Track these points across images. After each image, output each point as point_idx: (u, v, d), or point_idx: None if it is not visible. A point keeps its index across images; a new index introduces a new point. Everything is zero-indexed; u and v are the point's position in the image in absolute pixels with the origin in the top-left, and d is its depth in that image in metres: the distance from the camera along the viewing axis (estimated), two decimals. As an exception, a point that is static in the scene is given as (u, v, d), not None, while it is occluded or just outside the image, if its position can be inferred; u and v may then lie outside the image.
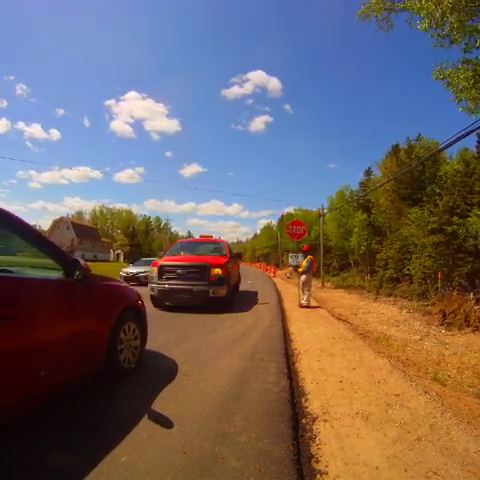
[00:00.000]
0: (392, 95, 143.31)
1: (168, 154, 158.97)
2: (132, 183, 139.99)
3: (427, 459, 2.39)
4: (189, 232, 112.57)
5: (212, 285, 8.70)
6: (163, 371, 4.21)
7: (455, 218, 17.33)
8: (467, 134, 9.84)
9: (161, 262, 9.43)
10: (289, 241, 24.97)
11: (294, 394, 3.68)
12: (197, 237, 15.29)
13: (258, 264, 64.34)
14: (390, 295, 19.00)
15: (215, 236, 13.80)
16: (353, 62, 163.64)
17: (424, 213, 20.43)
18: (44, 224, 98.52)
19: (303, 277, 10.44)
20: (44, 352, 2.70)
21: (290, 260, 11.69)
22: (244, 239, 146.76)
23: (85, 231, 68.24)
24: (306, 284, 10.43)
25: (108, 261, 65.25)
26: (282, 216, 75.01)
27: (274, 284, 20.49)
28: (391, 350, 6.57)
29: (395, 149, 33.81)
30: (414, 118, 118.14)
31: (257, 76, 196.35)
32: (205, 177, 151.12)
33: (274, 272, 34.78)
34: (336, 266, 37.89)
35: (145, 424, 2.85)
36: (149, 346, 4.72)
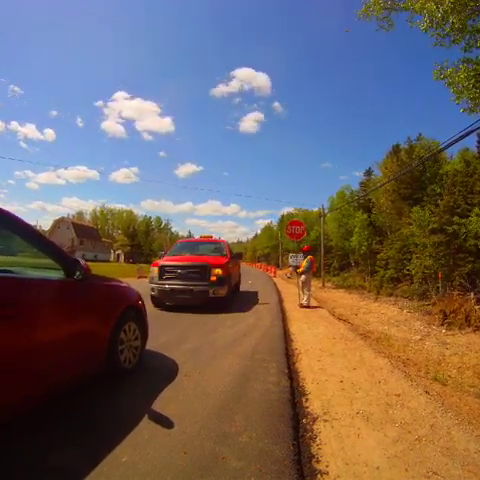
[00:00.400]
0: (392, 95, 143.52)
1: (162, 154, 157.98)
2: (128, 183, 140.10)
3: (428, 459, 2.39)
4: (190, 232, 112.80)
5: (212, 285, 8.70)
6: (164, 371, 4.21)
7: (456, 218, 17.32)
8: (467, 134, 9.84)
9: (161, 262, 9.42)
10: (289, 241, 25.04)
11: (295, 394, 3.68)
12: (197, 237, 15.28)
13: (258, 264, 64.36)
14: (391, 295, 19.00)
15: (215, 236, 13.79)
16: (352, 62, 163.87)
17: (425, 213, 20.43)
18: (44, 224, 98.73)
19: (303, 277, 10.43)
20: (44, 352, 2.69)
21: (290, 260, 11.68)
22: (243, 239, 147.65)
23: (86, 231, 68.30)
24: (306, 284, 10.43)
25: (109, 261, 65.36)
26: (282, 216, 75.05)
27: (274, 284, 20.48)
28: (392, 350, 6.56)
29: (396, 149, 33.78)
30: (414, 118, 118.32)
31: (247, 74, 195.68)
32: (202, 176, 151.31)
33: (274, 272, 34.77)
34: (337, 266, 37.88)
35: (146, 424, 2.85)
36: (150, 346, 4.72)
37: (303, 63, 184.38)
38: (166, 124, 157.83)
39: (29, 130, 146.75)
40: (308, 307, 10.20)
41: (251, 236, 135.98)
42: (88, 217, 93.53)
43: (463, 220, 16.56)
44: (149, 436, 2.65)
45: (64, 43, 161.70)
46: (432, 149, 24.02)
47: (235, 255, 11.82)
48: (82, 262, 3.23)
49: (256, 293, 13.92)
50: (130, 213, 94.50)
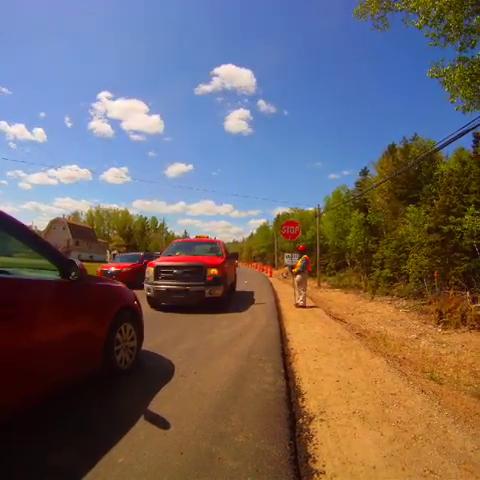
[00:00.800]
0: (387, 95, 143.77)
1: (151, 154, 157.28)
2: (120, 183, 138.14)
3: (424, 458, 2.40)
4: (185, 232, 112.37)
5: (208, 285, 8.70)
6: (160, 371, 4.21)
7: (451, 217, 17.36)
8: (463, 134, 9.86)
9: (157, 262, 9.42)
10: (285, 241, 25.04)
11: (291, 394, 3.69)
12: (193, 237, 15.27)
13: (254, 264, 64.43)
14: (387, 294, 19.00)
15: (210, 236, 13.79)
16: (348, 62, 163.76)
17: (421, 211, 20.49)
18: (39, 225, 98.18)
19: (298, 277, 10.41)
20: (42, 352, 2.70)
21: (286, 260, 11.72)
22: (237, 239, 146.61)
23: (81, 232, 67.99)
24: (301, 284, 10.43)
25: (105, 262, 65.05)
26: (278, 216, 74.93)
27: (270, 284, 20.49)
28: (388, 349, 6.57)
29: (391, 149, 33.91)
30: (409, 118, 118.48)
31: (229, 72, 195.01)
32: (194, 175, 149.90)
33: (270, 272, 34.79)
34: (332, 266, 37.86)
35: (142, 424, 2.85)
36: (146, 346, 4.72)
37: (302, 63, 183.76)
38: (155, 122, 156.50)
39: (18, 130, 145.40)
40: (304, 307, 10.21)
41: (245, 236, 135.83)
42: (84, 217, 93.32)
43: (458, 219, 16.60)
44: (145, 436, 2.64)
45: (48, 42, 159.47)
46: (427, 149, 24.10)
47: (231, 255, 11.83)
48: (78, 263, 3.22)
49: (252, 293, 13.92)
50: (126, 213, 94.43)
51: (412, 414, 3.12)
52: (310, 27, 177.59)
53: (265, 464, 2.33)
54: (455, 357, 6.69)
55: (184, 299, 8.77)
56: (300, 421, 3.04)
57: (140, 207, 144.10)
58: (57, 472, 2.22)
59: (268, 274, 33.67)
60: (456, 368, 5.95)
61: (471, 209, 15.68)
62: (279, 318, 8.28)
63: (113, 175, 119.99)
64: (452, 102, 8.28)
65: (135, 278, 13.53)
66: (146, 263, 10.56)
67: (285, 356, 5.12)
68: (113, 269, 15.28)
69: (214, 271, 8.85)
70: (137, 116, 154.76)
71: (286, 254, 11.80)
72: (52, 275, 3.12)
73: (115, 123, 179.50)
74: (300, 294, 10.43)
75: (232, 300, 10.66)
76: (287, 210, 67.27)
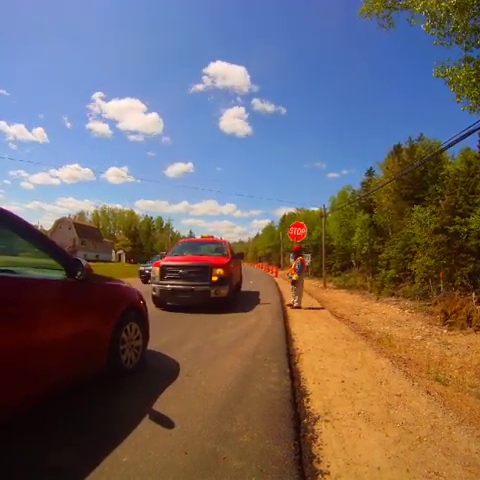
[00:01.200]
0: (391, 94, 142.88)
1: (150, 153, 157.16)
2: (121, 183, 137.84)
3: (429, 459, 2.39)
4: (190, 232, 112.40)
5: (214, 285, 8.71)
6: (165, 371, 4.22)
7: (457, 218, 17.26)
8: (469, 134, 9.78)
9: (163, 262, 9.44)
10: (291, 241, 24.97)
11: (296, 394, 3.68)
12: (198, 237, 15.29)
13: (260, 264, 64.36)
14: (392, 295, 18.94)
15: (215, 236, 13.81)
16: (350, 62, 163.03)
17: (427, 211, 20.39)
18: (45, 224, 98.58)
19: (295, 276, 10.28)
20: (46, 352, 2.70)
21: (291, 260, 11.67)
22: (242, 239, 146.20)
23: (87, 231, 68.39)
24: (297, 285, 10.29)
25: (110, 261, 65.43)
26: (284, 216, 75.06)
27: (276, 284, 20.48)
28: (393, 350, 6.55)
29: (397, 149, 33.70)
30: (415, 118, 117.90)
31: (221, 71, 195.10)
32: (193, 175, 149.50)
33: (276, 272, 34.73)
34: (338, 266, 37.78)
35: (147, 424, 2.86)
36: (151, 346, 4.73)
37: (302, 63, 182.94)
38: (154, 121, 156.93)
39: (18, 130, 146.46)
40: (299, 308, 10.03)
41: (249, 236, 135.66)
42: (89, 217, 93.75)
43: (464, 219, 16.51)
44: (150, 436, 2.66)
45: (48, 42, 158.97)
46: (433, 149, 23.96)
47: (236, 255, 11.84)
48: (83, 262, 3.23)
49: (257, 293, 13.93)
50: (131, 213, 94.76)
51: (417, 415, 3.11)
52: (310, 27, 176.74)
53: (270, 464, 2.33)
54: (460, 358, 6.66)
55: (190, 299, 8.78)
56: (305, 421, 3.04)
57: (143, 207, 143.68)
58: (57, 472, 2.23)
59: (274, 274, 33.62)
60: (461, 369, 5.92)
61: (478, 210, 15.57)
62: (284, 318, 8.27)
63: (115, 175, 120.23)
64: (458, 102, 8.25)
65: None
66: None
67: (290, 356, 5.12)
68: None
69: (220, 271, 8.86)
70: (135, 116, 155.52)
71: (292, 254, 11.76)
72: (58, 274, 3.13)
73: (112, 123, 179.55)
74: (296, 295, 10.30)
75: (237, 300, 10.66)
76: (293, 210, 67.37)
